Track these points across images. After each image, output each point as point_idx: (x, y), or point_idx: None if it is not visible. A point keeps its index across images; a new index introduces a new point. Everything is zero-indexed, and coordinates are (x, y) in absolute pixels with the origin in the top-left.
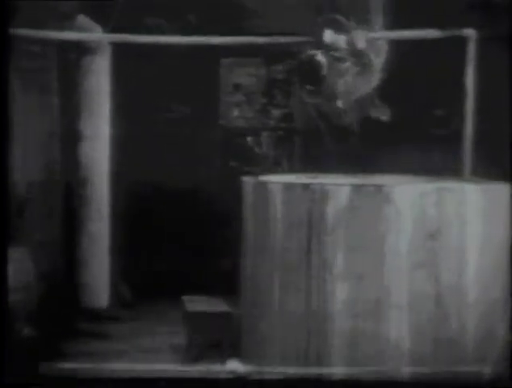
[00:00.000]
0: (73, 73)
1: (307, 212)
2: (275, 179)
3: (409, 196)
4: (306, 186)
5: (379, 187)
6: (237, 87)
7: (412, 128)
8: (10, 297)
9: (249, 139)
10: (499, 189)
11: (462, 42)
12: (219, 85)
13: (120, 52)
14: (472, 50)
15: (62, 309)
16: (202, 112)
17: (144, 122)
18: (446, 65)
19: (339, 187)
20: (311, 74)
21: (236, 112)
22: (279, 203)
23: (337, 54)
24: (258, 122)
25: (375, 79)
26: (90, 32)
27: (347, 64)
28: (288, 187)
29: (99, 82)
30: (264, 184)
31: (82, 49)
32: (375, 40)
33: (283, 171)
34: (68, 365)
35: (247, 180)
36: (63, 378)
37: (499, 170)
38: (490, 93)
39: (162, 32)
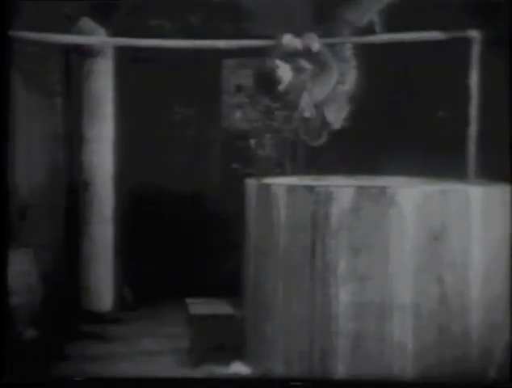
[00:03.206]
0: (75, 76)
1: (310, 215)
2: (279, 182)
3: (413, 197)
4: (310, 188)
5: (383, 189)
6: (239, 89)
7: (415, 130)
8: (12, 300)
9: (251, 141)
10: (503, 191)
11: (466, 43)
12: (221, 86)
13: (123, 55)
14: (475, 52)
15: (65, 312)
16: (204, 114)
17: (147, 124)
18: (450, 67)
19: (343, 189)
20: (268, 88)
21: (238, 114)
22: (282, 205)
23: (297, 64)
24: (260, 124)
25: (333, 81)
26: (94, 35)
27: (308, 71)
28: (292, 189)
29: (102, 85)
30: (267, 186)
31: (85, 52)
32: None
33: (287, 173)
34: (69, 366)
35: (250, 182)
36: (64, 379)
37: (503, 172)
38: (494, 94)
39: (164, 34)
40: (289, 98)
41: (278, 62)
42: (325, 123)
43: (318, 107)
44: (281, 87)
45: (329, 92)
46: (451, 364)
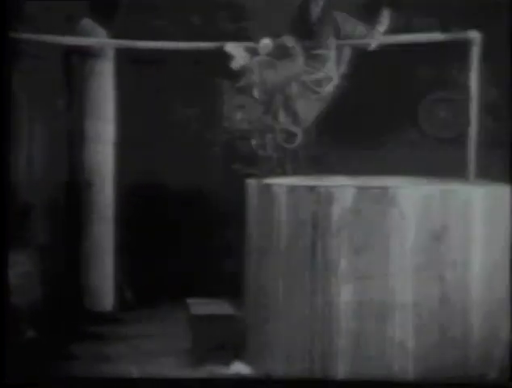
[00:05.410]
0: (77, 77)
1: (311, 215)
2: (280, 182)
3: (413, 197)
4: (311, 188)
5: (384, 189)
6: (240, 89)
7: (415, 130)
8: (13, 300)
9: (252, 141)
10: (503, 191)
11: (466, 44)
12: (222, 87)
13: (124, 55)
14: (475, 52)
15: (65, 312)
16: (205, 115)
17: (148, 125)
18: (450, 67)
19: (344, 188)
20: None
21: (239, 114)
22: (283, 205)
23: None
24: (261, 124)
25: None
26: (94, 36)
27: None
28: (293, 189)
29: (103, 85)
30: (268, 186)
31: (86, 53)
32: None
33: (288, 173)
34: (70, 366)
35: (251, 182)
36: (64, 379)
37: (503, 172)
38: (494, 94)
39: (165, 35)
40: (244, 80)
41: (229, 44)
42: (296, 119)
43: (289, 104)
44: (234, 65)
45: (285, 80)
46: (452, 364)
